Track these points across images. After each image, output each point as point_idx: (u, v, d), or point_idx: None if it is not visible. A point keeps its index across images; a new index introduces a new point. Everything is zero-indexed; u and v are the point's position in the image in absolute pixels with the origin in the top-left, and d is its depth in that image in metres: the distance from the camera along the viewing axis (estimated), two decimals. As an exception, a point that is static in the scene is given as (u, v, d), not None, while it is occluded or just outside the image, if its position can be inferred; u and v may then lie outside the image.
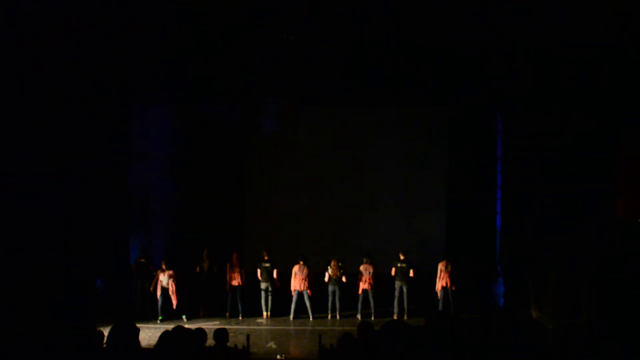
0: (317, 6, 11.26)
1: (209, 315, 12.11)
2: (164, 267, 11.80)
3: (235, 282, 12.12)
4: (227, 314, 12.16)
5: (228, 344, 6.71)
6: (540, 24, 10.74)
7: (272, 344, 10.41)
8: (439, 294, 12.08)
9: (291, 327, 11.66)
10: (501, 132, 14.70)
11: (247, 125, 14.94)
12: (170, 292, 11.76)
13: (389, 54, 13.19)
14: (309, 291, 12.04)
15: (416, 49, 12.86)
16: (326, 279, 12.11)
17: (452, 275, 12.02)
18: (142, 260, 12.36)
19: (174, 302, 11.77)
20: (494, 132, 14.84)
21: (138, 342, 5.27)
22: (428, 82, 14.05)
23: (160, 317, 11.79)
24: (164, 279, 11.75)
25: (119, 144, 14.20)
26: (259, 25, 12.18)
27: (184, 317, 11.85)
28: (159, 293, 11.77)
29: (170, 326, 6.04)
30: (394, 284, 12.16)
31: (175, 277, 11.78)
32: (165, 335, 5.34)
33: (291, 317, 12.06)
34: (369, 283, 12.06)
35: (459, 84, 13.95)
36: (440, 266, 12.10)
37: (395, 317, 11.94)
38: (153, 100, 14.70)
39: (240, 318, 12.08)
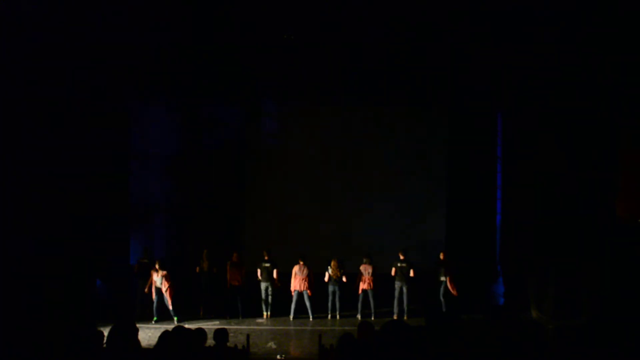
0: (317, 6, 11.26)
1: (209, 315, 12.11)
2: (157, 267, 11.76)
3: (235, 282, 12.11)
4: (227, 314, 12.15)
5: (228, 344, 6.71)
6: (540, 24, 10.74)
7: (272, 344, 10.40)
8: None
9: (291, 327, 11.65)
10: (501, 132, 14.71)
11: (247, 125, 14.94)
12: (164, 292, 11.70)
13: (389, 54, 13.20)
14: (309, 291, 12.04)
15: (416, 49, 12.87)
16: (326, 279, 12.11)
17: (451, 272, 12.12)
18: (145, 260, 12.37)
19: (170, 302, 11.70)
20: (494, 132, 14.84)
21: (138, 342, 5.27)
22: (428, 82, 14.06)
23: (155, 318, 11.76)
24: (157, 279, 11.72)
25: (119, 144, 14.21)
26: (259, 25, 12.17)
27: (175, 318, 11.80)
28: (153, 293, 11.75)
29: (167, 327, 6.05)
30: (394, 284, 12.17)
31: (169, 278, 11.71)
32: (165, 335, 5.34)
33: (291, 317, 12.06)
34: (369, 283, 12.06)
35: (459, 84, 13.96)
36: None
37: (395, 317, 11.94)
38: (153, 100, 14.71)
39: (240, 318, 12.07)
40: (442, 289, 12.18)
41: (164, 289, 11.69)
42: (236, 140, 14.84)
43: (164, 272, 11.69)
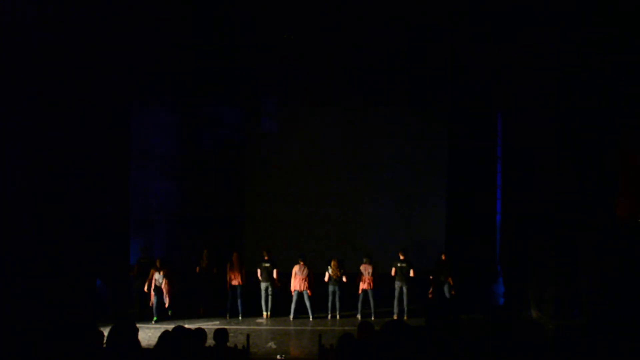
0: (317, 6, 11.26)
1: (208, 315, 12.12)
2: (158, 265, 11.82)
3: (235, 282, 12.12)
4: (227, 314, 12.16)
5: (228, 344, 6.72)
6: (540, 25, 10.74)
7: (272, 344, 10.41)
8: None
9: (291, 327, 11.66)
10: (501, 132, 14.71)
11: (247, 125, 14.94)
12: (164, 291, 11.76)
13: (389, 54, 13.19)
14: (309, 291, 12.04)
15: (416, 49, 12.86)
16: (326, 279, 12.11)
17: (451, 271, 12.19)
18: (145, 260, 12.41)
19: (167, 300, 11.78)
20: (494, 132, 14.84)
21: (138, 342, 5.27)
22: (428, 82, 14.06)
23: (155, 318, 11.78)
24: (158, 277, 11.77)
25: (119, 144, 14.21)
26: (259, 25, 12.17)
27: (169, 312, 11.90)
28: (152, 292, 11.79)
29: (167, 327, 6.06)
30: (394, 284, 12.17)
31: (169, 276, 11.78)
32: (165, 335, 5.34)
33: (291, 317, 12.06)
34: (369, 283, 12.07)
35: (459, 83, 13.96)
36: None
37: (395, 317, 11.94)
38: (153, 100, 14.71)
39: (240, 318, 12.09)
40: (445, 288, 12.18)
41: (164, 288, 11.73)
42: (236, 140, 14.83)
43: (165, 271, 11.74)
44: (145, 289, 11.89)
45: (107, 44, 11.95)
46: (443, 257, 12.36)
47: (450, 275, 12.17)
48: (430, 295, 12.21)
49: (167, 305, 11.82)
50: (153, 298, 11.77)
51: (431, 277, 12.31)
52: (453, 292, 12.16)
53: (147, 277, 12.13)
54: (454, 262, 12.43)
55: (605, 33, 9.93)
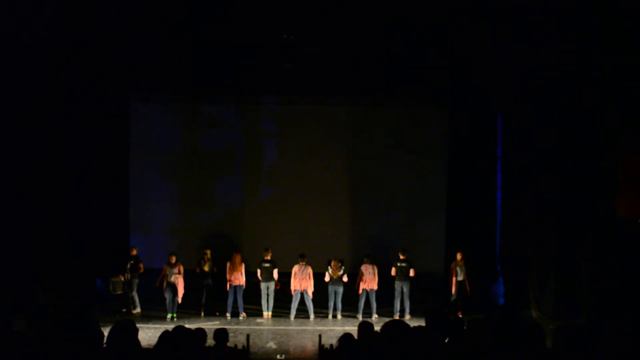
0: (317, 6, 11.25)
1: (209, 315, 12.12)
2: (173, 261, 11.88)
3: (235, 282, 12.13)
4: (228, 314, 12.16)
5: (228, 344, 6.72)
6: (540, 24, 10.73)
7: (272, 344, 10.41)
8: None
9: (291, 327, 11.66)
10: (501, 132, 14.70)
11: (247, 125, 14.95)
12: (178, 287, 11.81)
13: (389, 53, 13.17)
14: (309, 291, 12.04)
15: (417, 48, 12.84)
16: (326, 278, 12.11)
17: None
18: (137, 258, 12.50)
19: (180, 297, 11.83)
20: (494, 132, 14.83)
21: (138, 341, 5.26)
22: (428, 82, 14.04)
23: (169, 315, 11.83)
24: (170, 273, 11.82)
25: (119, 144, 14.22)
26: (259, 25, 12.16)
27: (175, 316, 11.91)
28: (165, 289, 11.83)
29: (167, 326, 6.07)
30: (394, 284, 12.17)
31: (182, 273, 11.93)
32: (165, 335, 5.33)
33: (291, 317, 12.06)
34: (369, 283, 12.07)
35: (459, 83, 13.95)
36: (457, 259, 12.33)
37: (395, 317, 11.94)
38: (153, 100, 14.71)
39: (240, 318, 12.08)
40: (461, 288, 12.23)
41: (178, 284, 11.79)
42: (235, 140, 14.84)
43: (180, 267, 11.87)
44: (157, 284, 11.94)
45: (107, 43, 11.95)
46: (459, 256, 12.32)
47: (467, 275, 12.21)
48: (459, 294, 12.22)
49: (179, 301, 11.85)
50: (167, 295, 11.80)
51: (455, 278, 12.26)
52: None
53: (139, 276, 12.22)
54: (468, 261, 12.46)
55: (605, 33, 9.91)
